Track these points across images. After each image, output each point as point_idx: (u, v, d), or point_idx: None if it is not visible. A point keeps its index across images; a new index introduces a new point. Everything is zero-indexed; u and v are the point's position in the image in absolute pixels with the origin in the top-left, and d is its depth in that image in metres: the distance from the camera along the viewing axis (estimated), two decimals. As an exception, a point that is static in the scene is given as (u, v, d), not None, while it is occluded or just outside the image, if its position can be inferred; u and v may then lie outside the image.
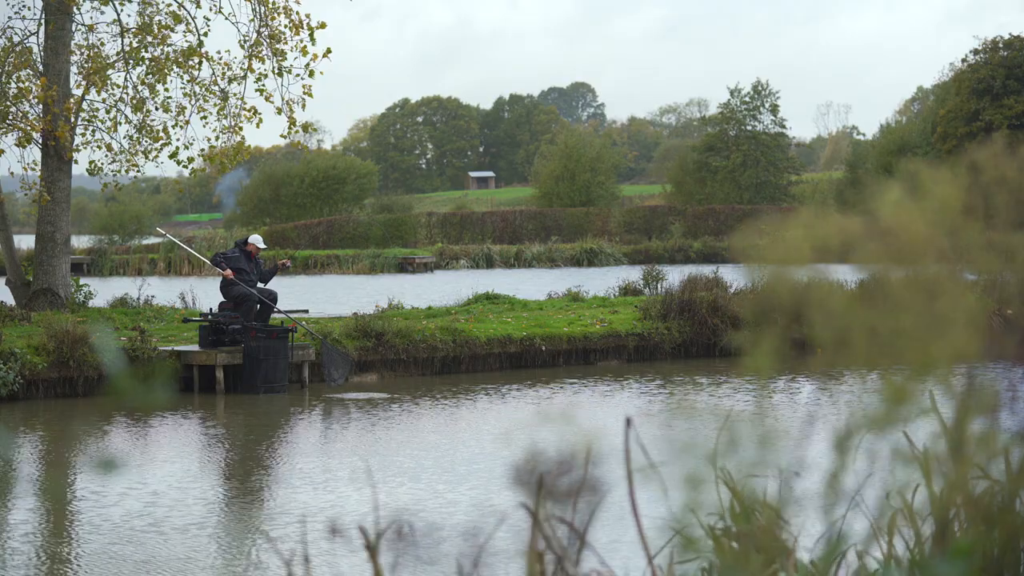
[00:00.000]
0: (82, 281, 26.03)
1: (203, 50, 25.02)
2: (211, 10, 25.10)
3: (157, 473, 12.66)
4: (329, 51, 24.68)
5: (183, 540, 9.96)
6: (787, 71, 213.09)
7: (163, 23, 24.89)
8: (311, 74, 24.78)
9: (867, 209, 2.37)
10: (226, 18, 25.20)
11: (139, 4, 24.99)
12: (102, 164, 25.61)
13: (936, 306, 2.22)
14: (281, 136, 25.66)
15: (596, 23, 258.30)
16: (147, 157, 25.38)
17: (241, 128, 25.29)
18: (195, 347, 19.15)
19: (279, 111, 24.84)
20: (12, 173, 25.28)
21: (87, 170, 25.63)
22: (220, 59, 25.31)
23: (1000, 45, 67.50)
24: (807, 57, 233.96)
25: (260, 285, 19.41)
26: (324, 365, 19.38)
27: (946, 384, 2.51)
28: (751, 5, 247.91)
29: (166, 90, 25.23)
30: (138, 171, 25.81)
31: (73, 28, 24.74)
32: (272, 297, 19.35)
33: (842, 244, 2.34)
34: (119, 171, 25.62)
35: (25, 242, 32.97)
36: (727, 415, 2.58)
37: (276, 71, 24.87)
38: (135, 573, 9.09)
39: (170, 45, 24.92)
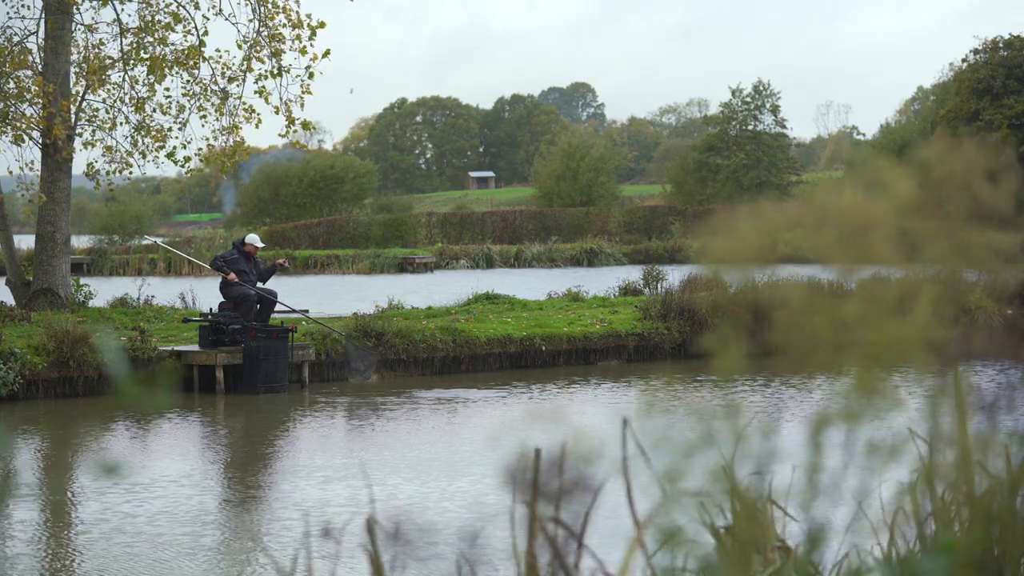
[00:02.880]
0: (82, 281, 26.02)
1: (203, 50, 25.02)
2: (210, 10, 25.11)
3: (157, 473, 12.66)
4: (328, 52, 24.68)
5: (183, 540, 9.95)
6: (787, 71, 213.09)
7: (163, 23, 24.88)
8: (311, 76, 24.78)
9: (817, 199, 2.36)
10: (226, 19, 25.20)
11: (139, 4, 24.99)
12: (98, 165, 25.62)
13: (895, 299, 2.22)
14: (279, 135, 25.66)
15: (611, 24, 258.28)
16: (145, 157, 25.37)
17: (239, 128, 25.30)
18: (195, 347, 19.15)
19: (276, 110, 24.83)
20: (11, 172, 25.28)
21: (84, 172, 25.63)
22: (219, 59, 25.31)
23: (1000, 45, 67.51)
24: (807, 58, 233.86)
25: (259, 285, 19.41)
26: (349, 360, 19.43)
27: (922, 381, 2.51)
28: (763, 6, 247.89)
29: (166, 90, 25.26)
30: (131, 171, 25.79)
31: (73, 28, 24.73)
32: (273, 296, 19.35)
33: (792, 235, 2.33)
34: (113, 172, 25.60)
35: (25, 242, 32.95)
36: (722, 412, 2.58)
37: (275, 72, 24.86)
38: (135, 573, 9.09)
39: (170, 45, 24.91)
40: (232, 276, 18.95)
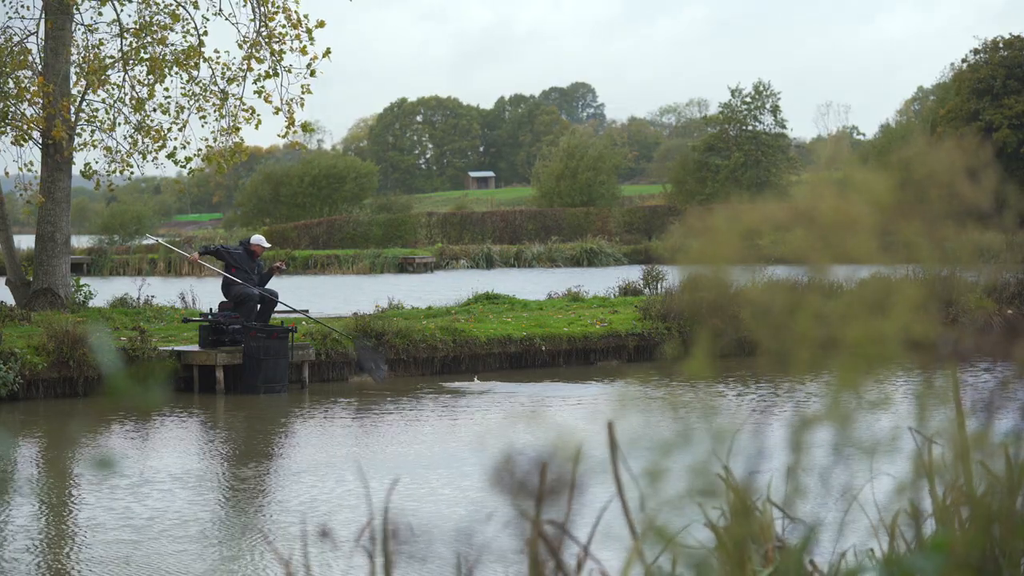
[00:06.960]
0: (82, 281, 26.02)
1: (202, 50, 25.01)
2: (210, 10, 25.10)
3: (157, 473, 12.66)
4: (329, 51, 24.67)
5: (183, 540, 9.95)
6: (787, 71, 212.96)
7: (162, 23, 24.86)
8: (312, 74, 24.78)
9: (792, 197, 2.36)
10: (226, 19, 25.19)
11: (138, 4, 24.99)
12: (98, 165, 25.63)
13: (874, 299, 2.22)
14: (279, 136, 25.65)
15: (635, 24, 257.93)
16: (145, 157, 25.37)
17: (239, 128, 25.29)
18: (195, 347, 19.15)
19: (277, 111, 24.83)
20: (7, 173, 25.26)
21: (81, 172, 25.61)
22: (219, 59, 25.31)
23: (1000, 45, 67.48)
24: (807, 58, 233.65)
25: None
26: (362, 363, 19.41)
27: (904, 380, 2.51)
28: (777, 8, 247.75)
29: (165, 90, 25.25)
30: (132, 172, 25.79)
31: (73, 28, 24.72)
32: (274, 296, 19.35)
33: (769, 232, 2.33)
34: (113, 172, 25.58)
35: (25, 242, 32.95)
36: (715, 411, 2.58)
37: (274, 72, 24.84)
38: (135, 573, 9.09)
39: (170, 45, 24.89)
40: (232, 270, 18.94)
